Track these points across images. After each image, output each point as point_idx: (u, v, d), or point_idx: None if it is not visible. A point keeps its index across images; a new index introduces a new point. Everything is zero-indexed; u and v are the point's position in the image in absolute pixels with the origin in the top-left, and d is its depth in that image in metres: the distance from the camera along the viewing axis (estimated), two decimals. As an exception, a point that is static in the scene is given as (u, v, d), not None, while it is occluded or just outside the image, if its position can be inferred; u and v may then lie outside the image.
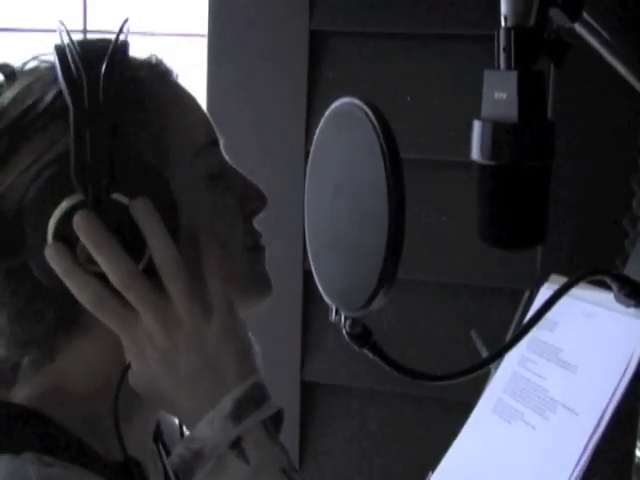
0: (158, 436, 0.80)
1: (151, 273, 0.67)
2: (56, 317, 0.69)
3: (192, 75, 1.71)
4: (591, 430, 0.99)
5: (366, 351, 0.78)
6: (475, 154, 0.82)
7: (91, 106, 0.65)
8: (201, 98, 0.94)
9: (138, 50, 0.76)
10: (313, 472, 1.63)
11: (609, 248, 1.26)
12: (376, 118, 0.72)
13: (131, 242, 0.66)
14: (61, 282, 0.65)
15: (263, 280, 0.79)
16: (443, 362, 1.49)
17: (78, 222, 0.65)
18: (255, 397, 0.67)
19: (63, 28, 0.69)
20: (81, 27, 1.64)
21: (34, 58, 0.73)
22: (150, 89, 0.72)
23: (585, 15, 0.86)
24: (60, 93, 0.66)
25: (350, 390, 1.60)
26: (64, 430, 0.69)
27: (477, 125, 0.82)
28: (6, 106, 0.69)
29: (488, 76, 0.83)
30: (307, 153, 1.63)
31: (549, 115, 1.05)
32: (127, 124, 0.67)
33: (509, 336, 1.29)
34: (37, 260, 0.66)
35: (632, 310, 1.02)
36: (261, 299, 0.79)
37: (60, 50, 0.67)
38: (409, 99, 1.42)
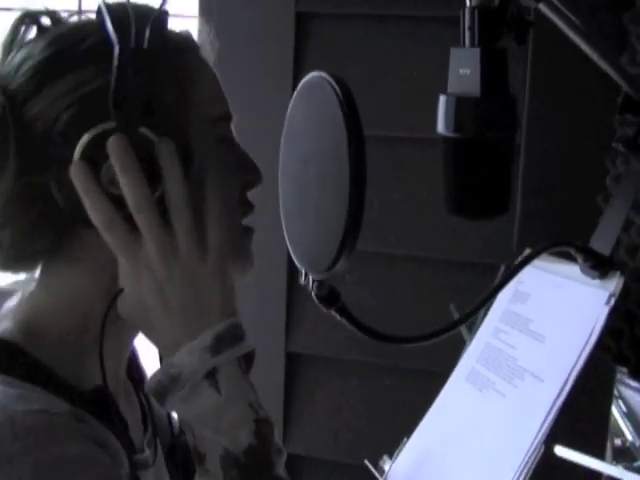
0: (133, 372, 0.84)
1: (160, 209, 0.73)
2: (55, 239, 0.75)
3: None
4: (555, 396, 1.02)
5: (334, 312, 0.82)
6: (440, 127, 0.85)
7: (136, 48, 0.72)
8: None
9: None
10: (297, 440, 1.68)
11: (584, 225, 1.28)
12: (340, 89, 0.75)
13: (149, 176, 0.72)
14: (74, 203, 0.71)
15: (247, 254, 0.85)
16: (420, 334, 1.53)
17: (112, 143, 0.71)
18: (233, 335, 0.73)
19: None
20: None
21: (79, 12, 0.80)
22: (183, 56, 0.79)
23: None
24: (103, 38, 0.73)
25: (333, 361, 1.64)
26: (35, 359, 0.74)
27: (442, 99, 0.85)
28: (55, 37, 0.76)
29: (454, 53, 0.86)
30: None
31: (526, 93, 1.08)
32: (162, 77, 0.74)
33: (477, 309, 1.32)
34: (59, 179, 0.72)
35: (597, 282, 1.05)
36: (241, 272, 0.84)
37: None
38: (392, 79, 1.45)
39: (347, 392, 1.63)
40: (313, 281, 0.80)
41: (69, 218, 0.73)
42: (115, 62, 0.71)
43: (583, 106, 1.35)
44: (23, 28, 0.79)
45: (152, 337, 0.75)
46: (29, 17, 0.79)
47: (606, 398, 1.40)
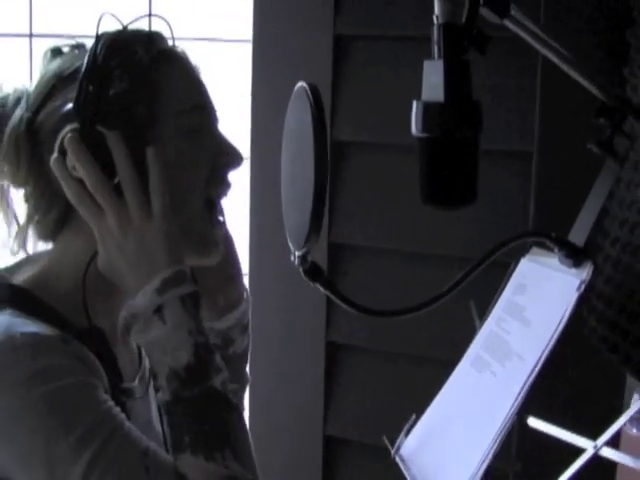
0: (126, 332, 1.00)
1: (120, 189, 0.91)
2: (59, 213, 0.96)
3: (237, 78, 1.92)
4: (527, 373, 1.12)
5: (319, 286, 0.96)
6: (413, 129, 0.96)
7: (93, 67, 0.90)
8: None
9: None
10: (334, 422, 1.81)
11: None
12: (312, 94, 0.89)
13: (109, 163, 0.91)
14: None
15: (206, 241, 1.00)
16: (444, 328, 1.63)
17: (66, 139, 0.90)
18: (177, 279, 0.89)
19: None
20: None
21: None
22: (151, 66, 0.94)
23: (513, 12, 0.99)
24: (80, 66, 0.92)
25: (368, 351, 1.76)
26: (42, 302, 0.93)
27: (414, 105, 0.95)
28: (51, 71, 0.97)
29: (426, 65, 0.96)
30: (331, 151, 1.79)
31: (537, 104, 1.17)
32: (122, 83, 0.91)
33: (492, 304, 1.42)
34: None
35: (573, 270, 1.14)
36: (202, 256, 1.00)
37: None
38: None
39: (380, 379, 1.75)
40: (297, 257, 0.93)
41: (65, 200, 0.92)
42: (79, 80, 0.90)
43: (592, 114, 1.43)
44: (49, 57, 0.99)
45: (121, 284, 0.92)
46: (52, 50, 1.00)
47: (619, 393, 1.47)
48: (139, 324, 0.90)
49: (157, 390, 0.90)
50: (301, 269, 0.94)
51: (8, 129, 0.96)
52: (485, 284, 1.57)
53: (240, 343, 1.16)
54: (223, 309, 1.13)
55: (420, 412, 1.40)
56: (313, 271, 0.94)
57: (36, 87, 0.98)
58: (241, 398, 1.13)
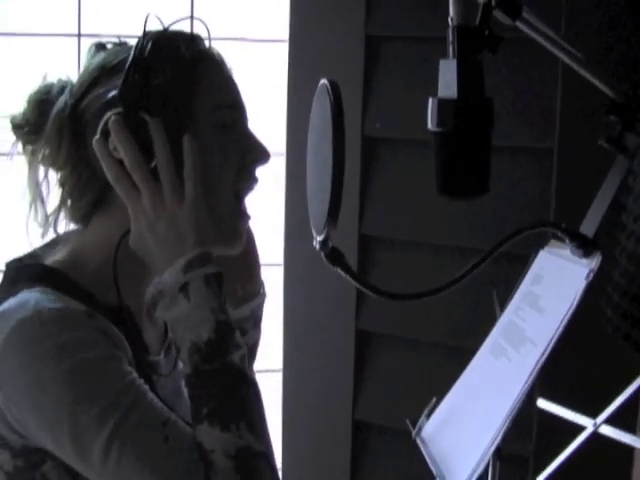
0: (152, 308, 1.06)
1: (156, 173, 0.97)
2: (93, 196, 1.01)
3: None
4: (537, 357, 1.17)
5: (339, 269, 1.02)
6: (429, 124, 1.02)
7: (139, 59, 0.97)
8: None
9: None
10: (363, 407, 1.87)
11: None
12: (332, 90, 0.95)
13: (148, 147, 0.96)
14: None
15: (233, 231, 1.05)
16: (469, 317, 1.68)
17: (111, 122, 0.95)
18: (202, 260, 0.94)
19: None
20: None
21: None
22: (192, 65, 1.00)
23: (525, 14, 1.04)
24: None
25: (397, 338, 1.81)
26: (72, 280, 0.98)
27: (430, 101, 1.01)
28: (95, 63, 1.02)
29: (442, 64, 1.01)
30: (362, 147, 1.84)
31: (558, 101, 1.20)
32: (165, 75, 0.97)
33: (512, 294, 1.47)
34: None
35: (583, 260, 1.19)
36: (227, 246, 1.05)
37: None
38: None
39: (408, 366, 1.80)
40: (319, 242, 0.99)
41: (101, 183, 0.99)
42: (125, 70, 0.95)
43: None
44: (93, 51, 1.05)
45: (150, 262, 0.97)
46: (96, 45, 1.06)
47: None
48: (165, 300, 0.94)
49: (182, 364, 0.95)
50: (322, 253, 1.00)
51: (52, 114, 1.01)
52: (507, 276, 1.62)
53: (251, 336, 1.20)
54: (240, 300, 1.18)
55: (442, 396, 1.47)
56: (333, 255, 1.00)
57: (80, 77, 1.03)
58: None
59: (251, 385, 0.97)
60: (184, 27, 1.07)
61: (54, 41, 2.10)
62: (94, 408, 0.89)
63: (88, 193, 1.03)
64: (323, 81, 0.98)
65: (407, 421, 1.47)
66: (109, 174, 0.97)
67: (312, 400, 1.93)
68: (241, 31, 2.01)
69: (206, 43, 1.06)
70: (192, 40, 1.03)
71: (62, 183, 1.04)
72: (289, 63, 1.86)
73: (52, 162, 1.03)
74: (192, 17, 1.11)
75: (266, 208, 1.19)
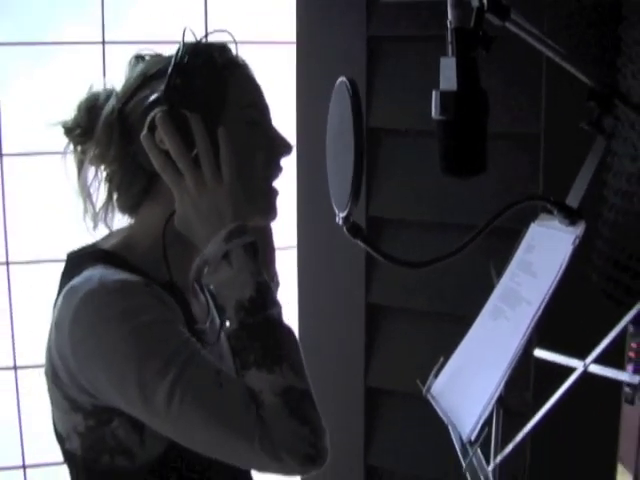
0: (199, 278, 1.15)
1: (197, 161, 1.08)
2: (141, 187, 1.12)
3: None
4: (533, 313, 1.29)
5: (359, 241, 1.13)
6: (433, 113, 1.13)
7: (180, 65, 1.09)
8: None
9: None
10: (375, 374, 1.99)
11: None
12: (351, 87, 1.08)
13: (189, 138, 1.08)
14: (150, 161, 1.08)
15: (266, 203, 1.17)
16: (471, 289, 1.79)
17: (157, 117, 1.07)
18: (239, 231, 1.05)
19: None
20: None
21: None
22: (223, 69, 1.12)
23: (514, 16, 1.17)
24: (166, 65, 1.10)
25: (404, 310, 1.93)
26: (127, 260, 1.09)
27: (433, 94, 1.13)
28: (137, 72, 1.14)
29: (442, 61, 1.12)
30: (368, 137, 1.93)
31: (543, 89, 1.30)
32: (202, 78, 1.09)
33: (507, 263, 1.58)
34: (141, 146, 1.09)
35: (570, 228, 1.31)
36: (261, 217, 1.18)
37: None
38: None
39: (416, 335, 1.91)
40: (342, 218, 1.12)
41: (147, 173, 1.11)
42: (168, 74, 1.07)
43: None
44: (133, 62, 1.18)
45: (195, 239, 1.08)
46: (136, 57, 1.18)
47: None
48: (210, 268, 1.05)
49: (228, 322, 1.06)
50: (344, 228, 1.11)
51: (102, 117, 1.12)
52: (503, 250, 1.74)
53: None
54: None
55: (447, 358, 1.57)
56: (354, 229, 1.11)
57: (125, 84, 1.15)
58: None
59: (289, 334, 1.06)
60: (212, 37, 1.18)
61: (79, 49, 2.19)
62: (156, 362, 0.98)
63: (135, 185, 1.13)
64: (342, 79, 1.10)
65: (417, 381, 1.58)
66: (156, 163, 1.07)
67: (326, 368, 2.00)
68: (251, 33, 2.11)
69: (233, 51, 1.17)
70: (223, 49, 1.14)
71: (110, 178, 1.15)
72: (297, 63, 1.95)
73: (102, 160, 1.14)
74: (221, 30, 1.21)
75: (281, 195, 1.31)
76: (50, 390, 1.09)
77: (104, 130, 1.12)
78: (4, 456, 2.55)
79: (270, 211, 1.18)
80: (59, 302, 1.05)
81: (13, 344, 2.35)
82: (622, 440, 2.11)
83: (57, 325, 1.04)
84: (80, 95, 1.17)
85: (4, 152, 2.18)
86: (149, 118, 1.09)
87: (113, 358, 1.00)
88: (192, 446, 1.02)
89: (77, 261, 1.11)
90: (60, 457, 1.14)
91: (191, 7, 2.22)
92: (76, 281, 1.05)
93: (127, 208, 1.16)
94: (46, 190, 2.15)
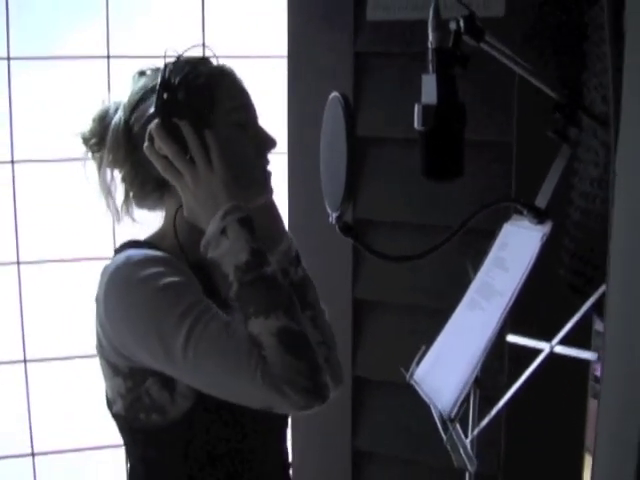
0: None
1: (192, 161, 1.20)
2: (152, 187, 1.26)
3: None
4: (505, 304, 1.41)
5: (350, 238, 1.25)
6: (415, 124, 1.22)
7: (163, 83, 1.20)
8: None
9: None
10: (361, 365, 2.09)
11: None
12: (343, 102, 1.20)
13: (182, 143, 1.19)
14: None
15: (259, 182, 1.28)
16: (451, 285, 1.90)
17: (153, 130, 1.19)
18: (233, 209, 1.17)
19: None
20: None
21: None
22: (208, 80, 1.22)
23: (487, 38, 1.29)
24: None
25: (389, 305, 2.03)
26: (158, 248, 1.22)
27: (416, 106, 1.23)
28: (139, 86, 1.25)
29: (423, 78, 1.23)
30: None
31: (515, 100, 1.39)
32: (188, 90, 1.20)
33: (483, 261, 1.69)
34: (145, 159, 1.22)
35: (539, 227, 1.43)
36: (257, 195, 1.29)
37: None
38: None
39: (400, 328, 2.01)
40: (335, 217, 1.23)
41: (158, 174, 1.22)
42: (157, 91, 1.20)
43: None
44: (136, 77, 1.28)
45: (201, 224, 1.19)
46: (139, 73, 1.29)
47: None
48: (212, 244, 1.17)
49: (229, 286, 1.18)
50: (337, 227, 1.23)
51: (111, 128, 1.25)
52: (480, 249, 1.86)
53: (294, 273, 1.39)
54: (270, 245, 1.34)
55: (428, 347, 1.66)
56: (346, 228, 1.24)
57: (129, 98, 1.26)
58: (319, 319, 1.44)
59: (282, 287, 1.17)
60: (197, 52, 1.29)
61: (85, 63, 2.27)
62: (173, 316, 1.12)
63: (147, 184, 1.26)
64: (335, 94, 1.23)
65: (401, 369, 1.69)
66: (159, 167, 1.20)
67: None
68: (246, 47, 2.21)
69: (214, 62, 1.27)
70: (205, 62, 1.26)
71: (124, 179, 1.28)
72: (289, 75, 2.04)
73: (115, 164, 1.26)
74: (204, 44, 1.33)
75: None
76: (100, 363, 1.23)
77: (113, 140, 1.25)
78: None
79: (265, 190, 1.30)
80: (98, 281, 1.18)
81: (23, 338, 2.44)
82: (590, 432, 2.22)
83: (96, 300, 1.18)
84: (93, 107, 1.29)
85: (15, 159, 2.27)
86: (148, 130, 1.21)
87: (137, 318, 1.14)
88: (207, 390, 1.14)
89: (118, 250, 1.25)
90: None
91: (189, 22, 2.33)
92: (109, 262, 1.19)
93: (144, 204, 1.29)
94: (57, 194, 2.25)
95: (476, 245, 1.87)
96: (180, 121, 1.20)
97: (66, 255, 2.36)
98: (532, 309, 1.54)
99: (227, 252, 1.16)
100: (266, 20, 2.32)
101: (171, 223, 1.26)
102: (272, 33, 2.25)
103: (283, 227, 1.39)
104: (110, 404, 1.25)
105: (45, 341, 2.42)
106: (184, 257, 1.24)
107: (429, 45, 1.24)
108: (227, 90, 1.26)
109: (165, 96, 1.20)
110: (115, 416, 1.25)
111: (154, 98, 1.21)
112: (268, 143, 1.28)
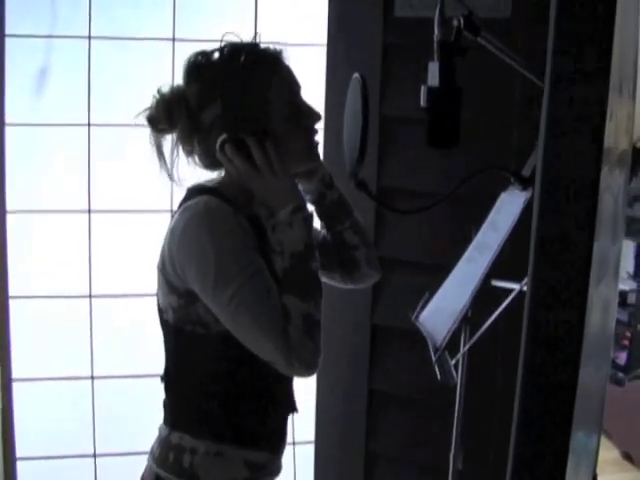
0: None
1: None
2: (213, 156, 1.44)
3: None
4: (492, 254, 1.64)
5: (364, 192, 1.47)
6: (421, 102, 1.42)
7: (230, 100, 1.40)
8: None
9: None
10: (380, 311, 2.29)
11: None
12: (362, 81, 1.44)
13: (247, 150, 1.39)
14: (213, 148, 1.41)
15: (313, 153, 1.49)
16: (451, 245, 2.10)
17: (225, 147, 1.39)
18: (299, 209, 1.38)
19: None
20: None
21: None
22: (260, 74, 1.41)
23: (484, 33, 1.52)
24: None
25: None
26: (224, 195, 1.42)
27: (422, 88, 1.42)
28: (208, 81, 1.41)
29: (430, 65, 1.43)
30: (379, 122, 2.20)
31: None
32: (247, 109, 1.39)
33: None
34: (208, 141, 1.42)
35: (524, 193, 1.65)
36: (309, 164, 1.50)
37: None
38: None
39: (415, 281, 2.18)
40: (350, 173, 1.47)
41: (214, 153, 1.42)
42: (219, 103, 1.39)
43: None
44: (199, 59, 1.41)
45: (268, 205, 1.40)
46: (201, 54, 1.41)
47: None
48: (280, 229, 1.36)
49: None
50: (354, 183, 1.46)
51: (182, 120, 1.40)
52: (483, 216, 2.07)
53: (330, 195, 1.59)
54: (309, 174, 1.55)
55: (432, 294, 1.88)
56: (360, 183, 1.46)
57: (197, 93, 1.39)
58: (357, 229, 1.62)
59: (319, 282, 1.37)
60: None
61: (151, 45, 2.45)
62: (229, 272, 1.31)
63: (208, 156, 1.44)
64: (356, 75, 1.46)
65: (409, 314, 1.92)
66: (231, 171, 1.41)
67: (333, 307, 2.16)
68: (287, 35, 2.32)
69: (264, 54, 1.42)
70: (259, 63, 1.40)
71: (190, 152, 1.46)
72: (327, 62, 2.24)
73: (183, 143, 1.44)
74: (231, 32, 1.44)
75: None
76: (158, 278, 1.43)
77: (185, 130, 1.43)
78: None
79: (314, 157, 1.49)
80: (176, 216, 1.38)
81: (90, 279, 2.68)
82: (610, 417, 2.36)
83: (172, 230, 1.37)
84: (159, 91, 1.43)
85: (92, 122, 2.52)
86: (219, 142, 1.39)
87: (204, 259, 1.33)
88: (234, 332, 1.34)
89: (192, 192, 1.44)
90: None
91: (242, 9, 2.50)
92: (190, 203, 1.39)
93: (205, 167, 1.48)
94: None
95: (482, 212, 2.08)
96: (246, 137, 1.38)
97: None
98: (514, 259, 1.75)
99: (290, 239, 1.35)
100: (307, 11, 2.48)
101: (233, 181, 1.44)
102: (307, 24, 2.43)
103: (320, 163, 1.57)
104: (161, 312, 1.45)
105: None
106: (243, 209, 1.41)
107: (435, 38, 1.43)
108: (280, 90, 1.41)
109: (231, 114, 1.37)
110: (164, 321, 1.45)
111: (218, 101, 1.38)
112: (314, 117, 1.45)
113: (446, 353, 1.66)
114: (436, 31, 1.44)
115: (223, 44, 1.41)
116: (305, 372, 1.34)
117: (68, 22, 2.46)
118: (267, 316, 1.31)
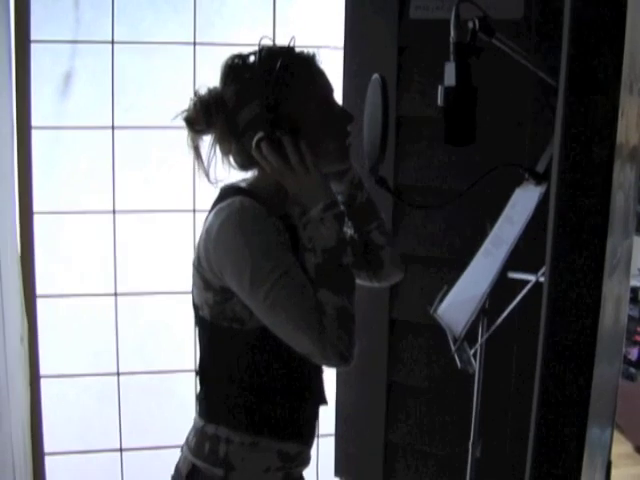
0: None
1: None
2: (248, 156, 1.46)
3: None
4: (508, 249, 1.69)
5: (384, 188, 1.51)
6: (438, 101, 1.47)
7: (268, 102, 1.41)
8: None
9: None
10: (399, 307, 2.33)
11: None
12: (381, 81, 1.49)
13: (282, 149, 1.41)
14: (248, 148, 1.43)
15: (344, 154, 1.50)
16: (466, 239, 2.17)
17: (261, 145, 1.40)
18: (332, 204, 1.40)
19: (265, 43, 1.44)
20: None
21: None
22: (295, 75, 1.42)
23: (498, 35, 1.57)
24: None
25: (422, 258, 2.28)
26: (257, 196, 1.43)
27: (439, 88, 1.47)
28: (245, 85, 1.43)
29: (446, 65, 1.47)
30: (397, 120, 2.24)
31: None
32: (285, 112, 1.41)
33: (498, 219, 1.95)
34: (245, 141, 1.45)
35: (538, 188, 1.70)
36: (339, 164, 1.52)
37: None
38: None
39: (433, 275, 2.24)
40: (370, 169, 1.51)
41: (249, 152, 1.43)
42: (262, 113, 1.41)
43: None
44: (236, 62, 1.43)
45: (300, 201, 1.41)
46: (238, 57, 1.44)
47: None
48: (311, 226, 1.38)
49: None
50: (373, 179, 1.51)
51: (220, 121, 1.42)
52: (497, 211, 2.12)
53: (360, 196, 1.61)
54: (340, 175, 1.58)
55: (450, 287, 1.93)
56: (380, 180, 1.51)
57: (234, 95, 1.42)
58: (381, 230, 1.64)
59: (351, 276, 1.39)
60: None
61: (172, 48, 2.50)
62: (265, 269, 1.33)
63: (243, 156, 1.47)
64: (376, 75, 1.51)
65: (427, 306, 1.96)
66: (266, 168, 1.42)
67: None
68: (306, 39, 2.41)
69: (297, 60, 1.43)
70: (293, 69, 1.41)
71: (226, 152, 1.49)
72: (344, 64, 2.28)
73: (220, 143, 1.47)
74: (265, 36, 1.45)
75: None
76: (194, 275, 1.45)
77: (222, 130, 1.45)
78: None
79: (345, 159, 1.50)
80: (211, 216, 1.40)
81: (115, 277, 2.72)
82: (622, 411, 2.36)
83: (207, 229, 1.40)
84: (196, 93, 1.45)
85: (116, 125, 2.57)
86: (255, 140, 1.41)
87: (241, 257, 1.35)
88: (270, 327, 1.36)
89: (226, 192, 1.46)
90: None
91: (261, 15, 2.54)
92: (225, 203, 1.40)
93: (239, 167, 1.50)
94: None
95: (497, 209, 2.13)
96: (282, 136, 1.40)
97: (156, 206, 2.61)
98: (530, 251, 1.80)
99: (321, 236, 1.38)
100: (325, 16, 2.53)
101: (267, 182, 1.47)
102: (325, 27, 2.48)
103: (351, 164, 1.58)
104: (197, 308, 1.47)
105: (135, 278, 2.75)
106: (275, 209, 1.44)
107: (451, 40, 1.48)
108: (314, 92, 1.44)
109: (269, 115, 1.39)
110: (199, 317, 1.47)
111: (256, 104, 1.40)
112: (347, 119, 1.47)
113: (465, 343, 1.70)
114: (452, 33, 1.48)
115: (259, 47, 1.43)
116: (341, 364, 1.35)
117: (91, 27, 2.51)
118: (302, 310, 1.33)
